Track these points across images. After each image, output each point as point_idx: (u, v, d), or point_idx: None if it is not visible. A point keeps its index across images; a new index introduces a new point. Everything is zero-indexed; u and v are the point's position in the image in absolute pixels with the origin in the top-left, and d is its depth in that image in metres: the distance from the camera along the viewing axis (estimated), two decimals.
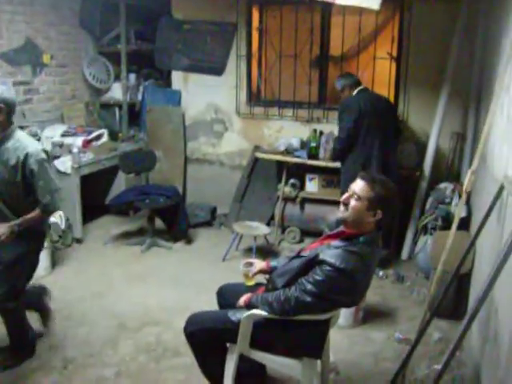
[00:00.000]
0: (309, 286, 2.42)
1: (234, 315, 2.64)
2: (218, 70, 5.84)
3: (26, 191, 3.06)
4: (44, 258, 4.51)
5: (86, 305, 4.10)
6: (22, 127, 4.98)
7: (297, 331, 2.56)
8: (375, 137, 4.47)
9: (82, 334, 3.69)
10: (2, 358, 3.32)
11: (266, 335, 2.63)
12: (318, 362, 2.76)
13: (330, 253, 2.43)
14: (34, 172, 2.98)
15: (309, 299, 2.42)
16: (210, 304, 3.11)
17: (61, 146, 5.21)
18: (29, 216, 3.05)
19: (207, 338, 2.70)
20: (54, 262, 4.72)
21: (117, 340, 3.63)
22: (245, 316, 2.57)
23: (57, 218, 4.62)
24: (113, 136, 6.04)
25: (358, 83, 4.64)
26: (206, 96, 5.97)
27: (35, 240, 3.26)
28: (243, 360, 2.71)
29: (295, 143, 5.38)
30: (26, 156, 2.96)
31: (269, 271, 2.89)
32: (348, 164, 4.57)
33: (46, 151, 3.16)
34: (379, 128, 4.49)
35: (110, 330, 3.75)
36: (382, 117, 4.53)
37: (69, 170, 5.08)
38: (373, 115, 4.45)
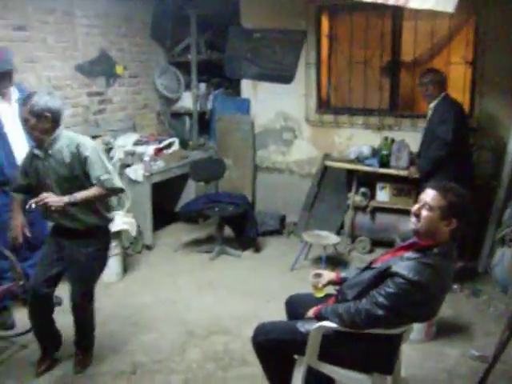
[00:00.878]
0: (380, 299, 2.33)
1: (302, 326, 2.59)
2: (287, 77, 5.81)
3: (90, 182, 3.13)
4: (115, 264, 4.62)
5: (155, 311, 4.15)
6: (95, 136, 5.17)
7: (367, 345, 2.47)
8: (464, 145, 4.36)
9: (150, 340, 3.73)
10: (79, 359, 3.43)
11: (335, 348, 2.55)
12: (389, 377, 2.66)
13: (403, 265, 2.34)
14: (88, 159, 3.07)
15: (380, 312, 2.33)
16: (279, 313, 3.06)
17: (132, 154, 5.33)
18: (85, 191, 3.10)
19: (275, 349, 2.66)
20: (125, 268, 4.82)
21: (185, 347, 3.65)
22: (314, 328, 2.51)
23: (128, 224, 4.71)
24: (183, 144, 6.13)
25: (445, 82, 4.48)
26: (275, 104, 5.95)
27: (103, 237, 3.37)
28: (311, 373, 2.65)
29: (366, 151, 5.26)
30: (78, 147, 3.07)
31: (339, 282, 2.82)
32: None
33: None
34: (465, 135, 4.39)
35: (178, 337, 3.78)
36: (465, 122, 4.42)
37: (140, 178, 5.18)
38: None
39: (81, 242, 3.24)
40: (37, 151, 3.16)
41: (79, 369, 3.39)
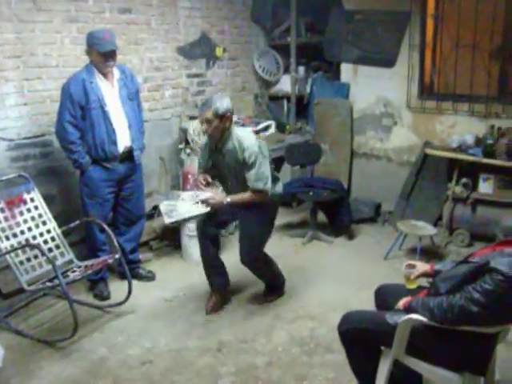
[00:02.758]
0: (476, 295, 2.19)
1: (391, 318, 2.50)
2: (388, 61, 5.60)
3: None
4: None
5: (245, 291, 4.18)
6: (193, 117, 5.26)
7: (459, 343, 2.34)
8: None
9: (238, 319, 3.77)
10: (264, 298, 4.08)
11: (424, 342, 2.45)
12: (482, 379, 2.50)
13: (503, 261, 2.18)
14: (250, 164, 3.52)
15: (475, 309, 2.19)
16: (368, 303, 2.98)
17: None
18: (240, 195, 3.64)
19: (361, 339, 2.59)
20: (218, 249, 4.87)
21: (271, 329, 3.65)
22: (403, 320, 2.41)
23: None
24: (280, 128, 6.10)
25: None
26: (375, 89, 5.76)
27: (270, 210, 3.84)
28: (398, 366, 2.55)
29: (469, 140, 4.98)
30: (244, 152, 3.51)
31: (432, 275, 2.69)
32: None
33: (258, 145, 3.61)
34: None
35: (265, 319, 3.79)
36: None
37: None
38: None
39: (253, 211, 3.68)
40: (213, 147, 3.67)
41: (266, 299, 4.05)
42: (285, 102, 6.39)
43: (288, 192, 5.32)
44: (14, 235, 3.78)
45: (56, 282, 3.53)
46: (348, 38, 5.80)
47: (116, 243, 3.86)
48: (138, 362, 3.36)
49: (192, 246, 4.67)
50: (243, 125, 5.66)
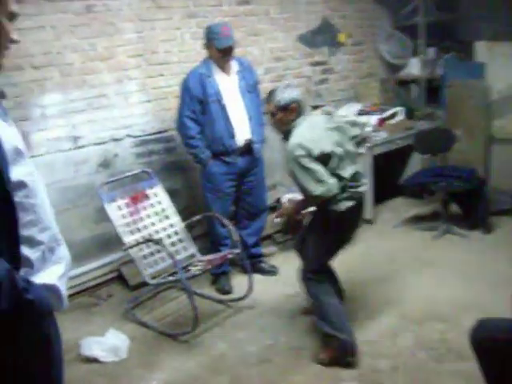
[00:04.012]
0: None
1: None
2: None
3: None
4: None
5: (369, 289, 3.96)
6: (316, 106, 5.08)
7: None
8: None
9: (360, 318, 3.55)
10: None
11: None
12: None
13: None
14: (292, 170, 3.08)
15: None
16: (504, 305, 2.65)
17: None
18: (301, 200, 3.36)
19: (497, 350, 2.29)
20: None
21: (396, 331, 3.41)
22: None
23: None
24: (409, 114, 5.75)
25: None
26: None
27: (325, 227, 3.23)
28: None
29: None
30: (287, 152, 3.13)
31: None
32: None
33: (302, 145, 3.04)
34: None
35: (389, 319, 3.56)
36: None
37: (362, 150, 4.98)
38: None
39: (313, 223, 3.35)
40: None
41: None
42: (413, 86, 6.02)
43: (417, 182, 5.03)
44: (138, 230, 3.88)
45: (177, 276, 3.56)
46: (483, 14, 5.30)
47: (236, 238, 3.82)
48: (257, 360, 3.29)
49: None
50: (368, 113, 5.41)
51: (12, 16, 1.56)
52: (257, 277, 4.21)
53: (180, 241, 4.03)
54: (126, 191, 3.96)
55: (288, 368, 3.17)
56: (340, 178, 3.08)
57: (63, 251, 1.74)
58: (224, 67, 3.93)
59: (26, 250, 1.56)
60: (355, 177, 3.17)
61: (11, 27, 1.57)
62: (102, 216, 3.94)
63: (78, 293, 4.15)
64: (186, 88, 3.90)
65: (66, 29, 3.93)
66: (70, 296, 4.06)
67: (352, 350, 3.10)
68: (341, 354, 3.10)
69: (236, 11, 4.75)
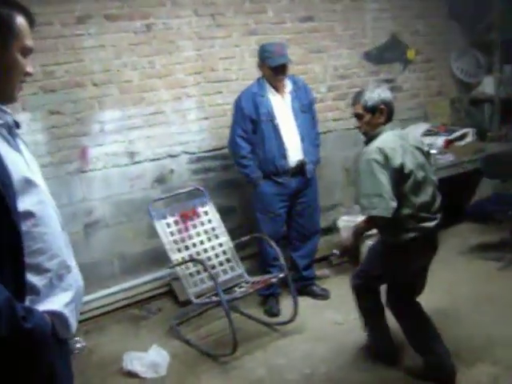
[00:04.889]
0: None
1: None
2: None
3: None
4: None
5: None
6: None
7: None
8: None
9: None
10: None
11: None
12: None
13: None
14: (358, 170, 2.85)
15: None
16: None
17: None
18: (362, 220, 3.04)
19: None
20: None
21: None
22: None
23: None
24: (480, 135, 5.46)
25: None
26: None
27: (388, 254, 3.04)
28: None
29: None
30: (363, 154, 2.89)
31: None
32: None
33: (383, 151, 2.82)
34: None
35: None
36: None
37: None
38: None
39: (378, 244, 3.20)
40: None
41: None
42: (487, 106, 5.71)
43: (483, 209, 4.75)
44: (186, 248, 3.91)
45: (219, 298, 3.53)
46: None
47: (283, 261, 3.75)
48: None
49: None
50: (436, 133, 5.18)
51: (27, 51, 1.62)
52: (307, 300, 4.15)
53: (228, 260, 4.02)
54: (176, 208, 4.00)
55: None
56: (410, 204, 2.86)
57: (73, 278, 1.76)
58: (277, 86, 3.89)
59: (32, 278, 1.59)
60: (429, 208, 2.96)
61: (26, 61, 1.62)
62: (155, 231, 3.99)
63: (128, 305, 4.24)
64: (238, 107, 3.90)
65: (125, 47, 4.04)
66: (121, 308, 4.20)
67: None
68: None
69: (299, 28, 4.69)
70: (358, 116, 3.00)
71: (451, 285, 4.24)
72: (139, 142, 4.22)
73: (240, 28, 4.43)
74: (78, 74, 3.90)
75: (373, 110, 2.92)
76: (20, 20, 1.58)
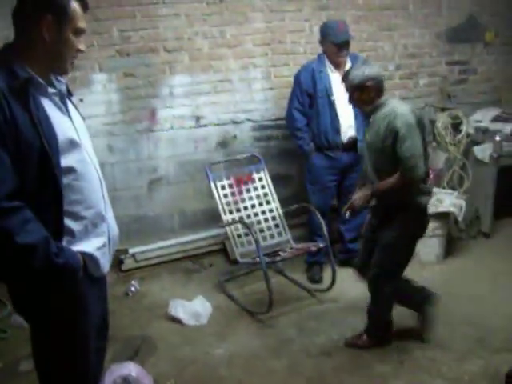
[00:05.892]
0: None
1: None
2: None
3: (395, 159, 2.96)
4: (436, 245, 4.44)
5: (457, 305, 3.79)
6: (443, 109, 4.92)
7: None
8: None
9: (436, 334, 3.43)
10: (356, 336, 3.46)
11: None
12: None
13: None
14: (399, 134, 2.90)
15: None
16: None
17: (484, 131, 4.88)
18: (386, 180, 3.02)
19: None
20: (448, 252, 4.54)
21: (467, 355, 3.27)
22: None
23: (456, 207, 4.41)
24: None
25: None
26: None
27: (413, 224, 3.14)
28: None
29: None
30: (395, 118, 2.92)
31: None
32: None
33: (419, 118, 2.98)
34: None
35: (464, 340, 3.40)
36: None
37: (486, 159, 4.72)
38: None
39: (384, 223, 3.17)
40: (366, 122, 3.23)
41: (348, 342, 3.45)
42: None
43: None
44: (238, 210, 4.17)
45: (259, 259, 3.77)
46: None
47: (325, 232, 3.91)
48: (318, 352, 3.40)
49: (420, 245, 4.44)
50: (506, 119, 5.06)
51: (79, 31, 1.87)
52: (349, 272, 4.29)
53: (276, 226, 4.24)
54: (233, 172, 4.25)
55: (343, 367, 3.25)
56: (426, 168, 3.02)
57: (108, 227, 2.06)
58: (337, 63, 3.98)
59: (70, 223, 1.91)
60: None
61: (79, 40, 1.88)
62: None
63: (183, 258, 4.57)
64: (297, 81, 4.05)
65: (198, 17, 4.28)
66: (176, 260, 4.54)
67: None
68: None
69: (371, 5, 4.72)
70: (350, 95, 3.09)
71: (497, 273, 4.23)
72: (205, 107, 4.49)
73: (311, 2, 4.54)
74: (152, 40, 4.20)
75: (360, 87, 3.00)
76: (74, 5, 1.83)
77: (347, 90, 3.11)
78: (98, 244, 2.00)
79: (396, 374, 3.16)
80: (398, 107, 2.97)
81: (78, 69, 3.94)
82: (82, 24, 1.87)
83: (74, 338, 1.99)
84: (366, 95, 3.03)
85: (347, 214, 3.25)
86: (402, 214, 3.09)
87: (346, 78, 3.10)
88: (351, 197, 3.25)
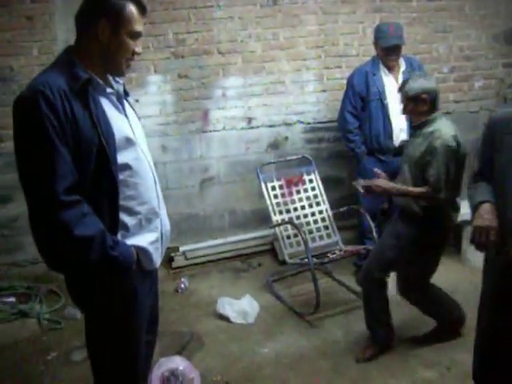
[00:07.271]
0: None
1: None
2: None
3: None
4: None
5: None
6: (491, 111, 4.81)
7: None
8: None
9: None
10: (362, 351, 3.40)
11: None
12: None
13: None
14: (435, 151, 2.91)
15: None
16: None
17: None
18: (413, 188, 3.04)
19: None
20: None
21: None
22: None
23: None
24: None
25: None
26: None
27: (430, 234, 3.11)
28: None
29: None
30: (437, 138, 2.92)
31: None
32: None
33: (458, 144, 2.94)
34: None
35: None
36: None
37: None
38: None
39: (403, 230, 3.18)
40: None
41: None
42: None
43: None
44: (287, 211, 4.20)
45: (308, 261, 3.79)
46: None
47: (375, 235, 3.91)
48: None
49: (471, 251, 4.36)
50: None
51: (135, 34, 1.92)
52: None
53: (325, 227, 4.25)
54: (284, 173, 4.29)
55: (389, 369, 3.23)
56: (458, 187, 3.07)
57: (161, 223, 2.12)
58: (390, 66, 3.97)
59: (125, 217, 1.98)
60: None
61: (135, 43, 1.93)
62: None
63: (233, 257, 4.64)
64: (350, 83, 4.05)
65: (252, 19, 4.34)
66: (226, 258, 4.61)
67: None
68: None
69: (426, 7, 4.67)
70: (404, 106, 3.11)
71: None
72: (257, 108, 4.54)
73: (365, 4, 4.53)
74: (206, 43, 4.29)
75: (414, 99, 3.00)
76: (130, 8, 1.88)
77: (402, 100, 3.13)
78: (151, 239, 2.06)
79: (442, 380, 3.12)
80: (443, 128, 2.98)
81: (134, 70, 4.05)
82: (138, 27, 1.91)
83: (127, 328, 2.06)
84: (419, 108, 3.04)
85: (362, 189, 3.24)
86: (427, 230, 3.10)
87: (402, 88, 3.12)
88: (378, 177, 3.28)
